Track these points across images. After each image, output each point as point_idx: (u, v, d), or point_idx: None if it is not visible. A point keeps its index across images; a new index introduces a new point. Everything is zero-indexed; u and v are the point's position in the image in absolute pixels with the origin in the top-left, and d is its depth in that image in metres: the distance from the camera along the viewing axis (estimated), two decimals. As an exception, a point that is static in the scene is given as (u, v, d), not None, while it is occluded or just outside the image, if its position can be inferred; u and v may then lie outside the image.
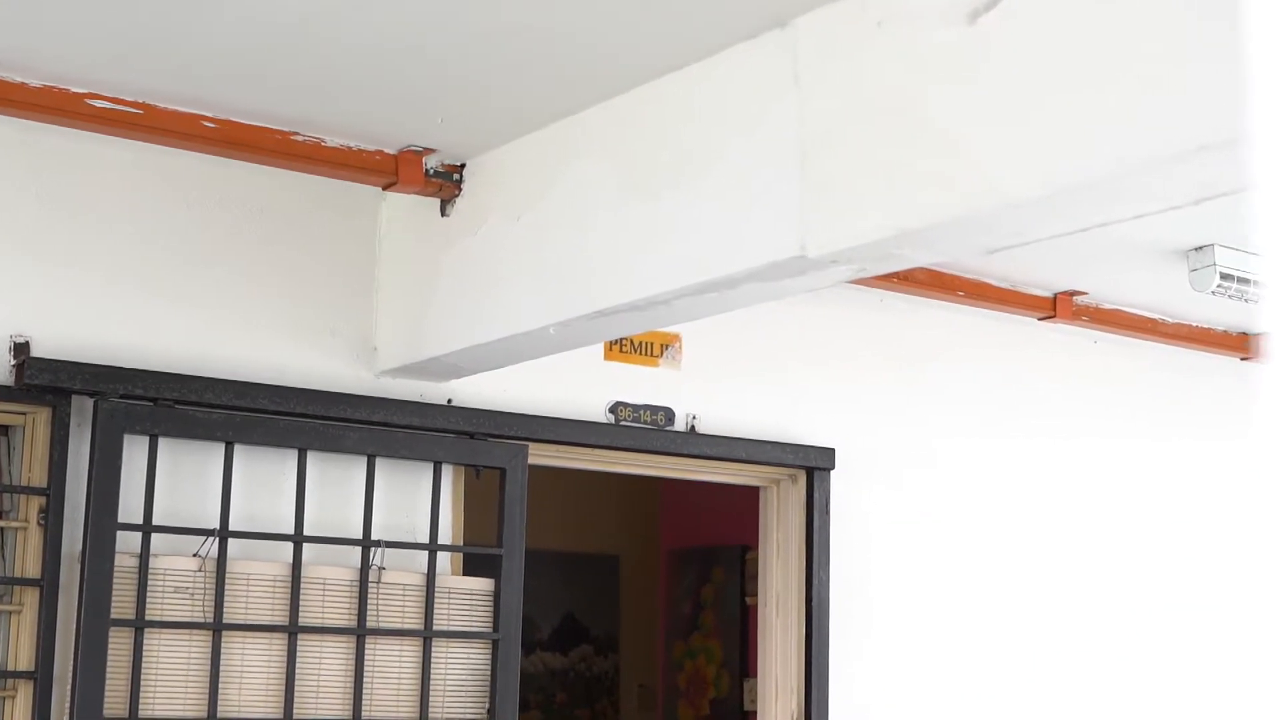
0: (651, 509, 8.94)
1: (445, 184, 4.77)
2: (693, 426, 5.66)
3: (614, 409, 5.50)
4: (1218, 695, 6.90)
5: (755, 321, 5.69)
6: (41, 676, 4.36)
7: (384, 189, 4.88)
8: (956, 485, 6.29)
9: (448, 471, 5.10)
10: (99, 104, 4.32)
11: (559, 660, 9.22)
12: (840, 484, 5.91)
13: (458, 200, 4.79)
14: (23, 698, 4.38)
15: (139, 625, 4.48)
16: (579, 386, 5.43)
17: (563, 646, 9.23)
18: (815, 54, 3.66)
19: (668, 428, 5.60)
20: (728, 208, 3.84)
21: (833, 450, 5.88)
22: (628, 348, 5.56)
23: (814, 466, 5.84)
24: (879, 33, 3.48)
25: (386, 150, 4.73)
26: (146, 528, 4.51)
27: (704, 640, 8.13)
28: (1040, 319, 6.44)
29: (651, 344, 5.62)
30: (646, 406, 5.57)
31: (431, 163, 4.76)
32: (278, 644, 4.71)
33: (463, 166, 4.78)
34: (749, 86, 3.83)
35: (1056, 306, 6.38)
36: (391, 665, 4.89)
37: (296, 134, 4.60)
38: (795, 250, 3.64)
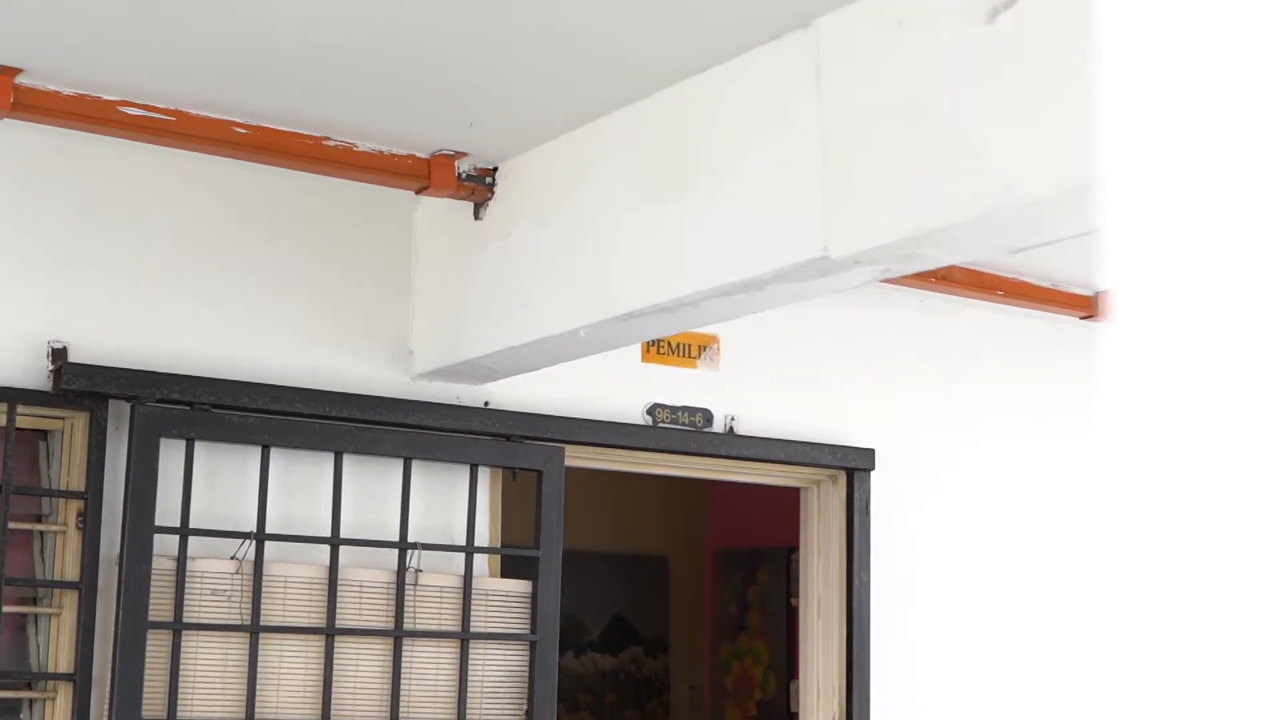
0: (699, 509, 8.94)
1: (478, 187, 4.80)
2: (731, 428, 5.66)
3: (652, 411, 5.51)
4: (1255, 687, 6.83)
5: (794, 322, 5.68)
6: (80, 678, 4.41)
7: (417, 193, 4.91)
8: (997, 485, 6.27)
9: (484, 474, 5.12)
10: (132, 112, 4.37)
11: (609, 661, 9.24)
12: (880, 484, 5.90)
13: (490, 203, 4.81)
14: (62, 699, 4.43)
15: (177, 627, 4.53)
16: (617, 388, 5.44)
17: (612, 647, 9.25)
18: (836, 55, 3.66)
19: (706, 429, 5.60)
20: (752, 209, 3.84)
21: (872, 451, 5.87)
22: (665, 349, 5.56)
23: (853, 467, 5.83)
24: (899, 33, 3.48)
25: (418, 154, 4.76)
26: (184, 531, 4.55)
27: (750, 641, 8.14)
28: (1082, 318, 6.41)
29: (689, 345, 5.63)
30: (684, 408, 5.58)
31: (464, 166, 4.79)
32: (315, 646, 4.74)
33: (495, 170, 4.81)
34: (771, 88, 3.83)
35: (1097, 305, 6.35)
36: (429, 667, 4.92)
37: (328, 139, 4.63)
38: (818, 251, 3.64)
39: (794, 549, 7.34)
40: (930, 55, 3.41)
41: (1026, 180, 3.24)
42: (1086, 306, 6.35)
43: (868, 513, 5.85)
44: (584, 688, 9.07)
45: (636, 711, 9.28)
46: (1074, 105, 3.13)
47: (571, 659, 8.96)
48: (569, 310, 4.41)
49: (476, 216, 4.85)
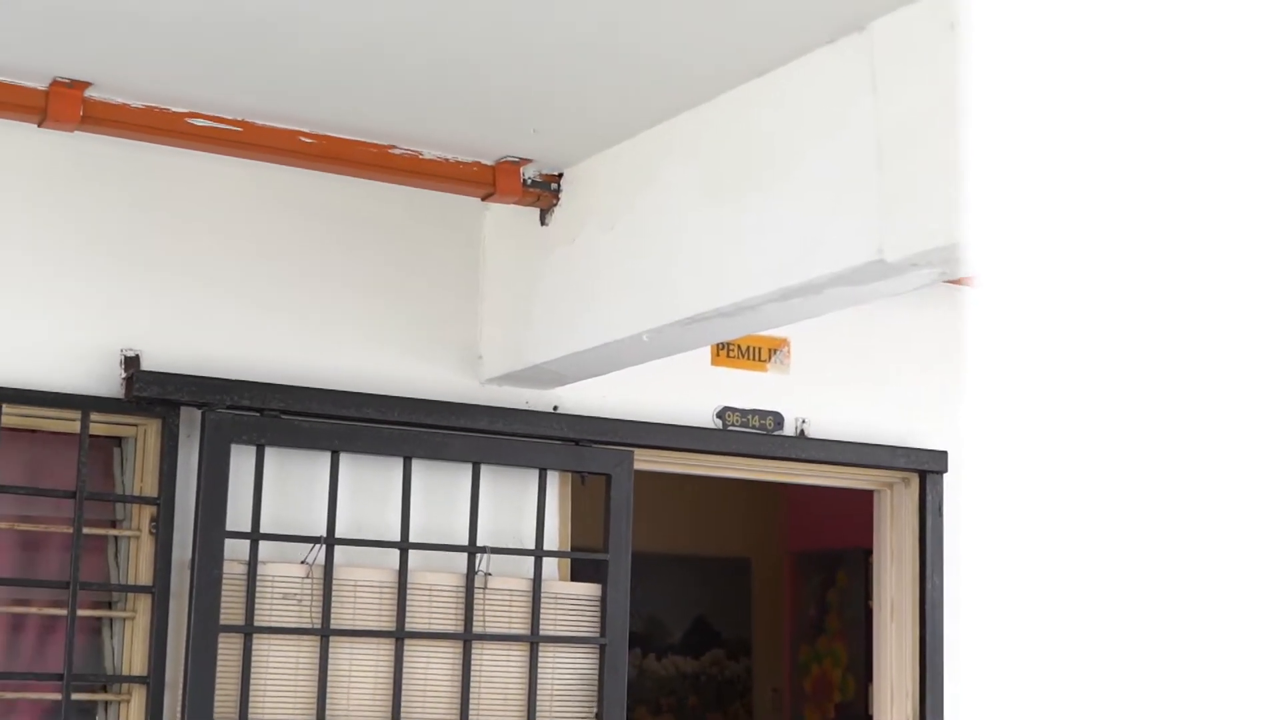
0: (778, 511, 8.94)
1: (543, 193, 4.83)
2: (802, 431, 5.66)
3: (721, 414, 5.52)
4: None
5: (864, 324, 5.67)
6: (154, 681, 4.47)
7: (483, 199, 4.94)
8: (1072, 487, 6.22)
9: (553, 478, 5.15)
10: (200, 123, 4.43)
11: (690, 664, 9.24)
12: (953, 487, 5.87)
13: (556, 209, 4.84)
14: (136, 702, 4.50)
15: (248, 631, 4.58)
16: (686, 392, 5.45)
17: (694, 650, 9.26)
18: (891, 57, 3.66)
19: (776, 432, 5.60)
20: (809, 212, 3.85)
21: (945, 453, 5.84)
22: (735, 352, 5.57)
23: (926, 470, 5.81)
24: (952, 35, 3.47)
25: (484, 161, 4.79)
26: (254, 535, 4.61)
27: (829, 644, 8.13)
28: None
29: (759, 348, 5.63)
30: (755, 411, 5.58)
31: (529, 173, 4.82)
32: (385, 649, 4.78)
33: (560, 176, 4.83)
34: (828, 90, 3.84)
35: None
36: (498, 671, 4.95)
37: (394, 147, 4.67)
38: (873, 254, 3.64)
39: (872, 551, 7.33)
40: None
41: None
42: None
43: (940, 515, 5.83)
44: (666, 690, 9.08)
45: (719, 714, 9.28)
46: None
47: (653, 661, 8.98)
48: (632, 314, 4.43)
49: (542, 222, 4.88)
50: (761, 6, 3.75)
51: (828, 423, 5.71)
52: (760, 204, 4.00)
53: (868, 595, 7.80)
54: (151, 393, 4.51)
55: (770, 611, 9.28)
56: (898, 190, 3.60)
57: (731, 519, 9.19)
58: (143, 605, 4.53)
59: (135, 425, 4.57)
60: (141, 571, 4.54)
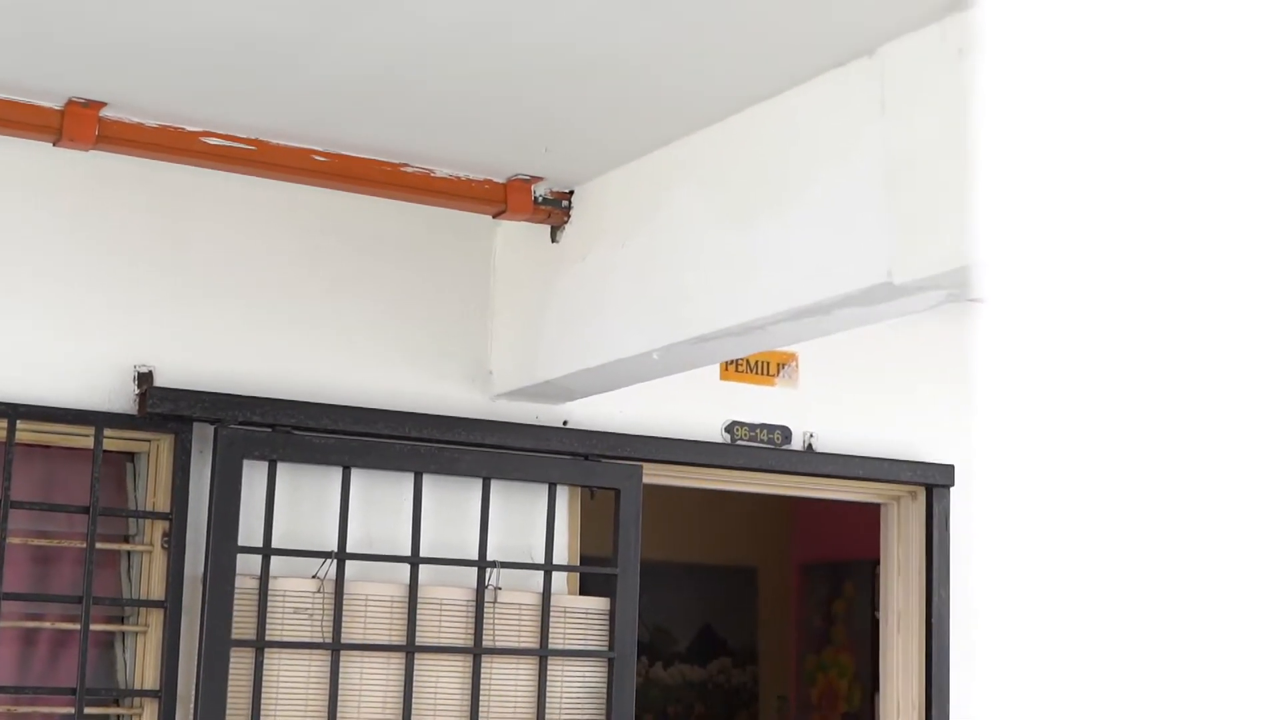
0: (785, 522, 8.96)
1: (554, 211, 4.86)
2: (810, 445, 5.69)
3: (730, 428, 5.55)
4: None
5: (871, 339, 5.69)
6: (165, 695, 4.50)
7: (494, 217, 4.97)
8: (1078, 501, 6.24)
9: (563, 492, 5.18)
10: (213, 141, 4.46)
11: (697, 672, 9.27)
12: (960, 501, 5.90)
13: (567, 227, 4.87)
14: (148, 716, 4.53)
15: (259, 645, 4.61)
16: (695, 406, 5.47)
17: (701, 658, 9.28)
18: (900, 82, 3.69)
19: (784, 447, 5.63)
20: (819, 234, 3.88)
21: (951, 467, 5.87)
22: (743, 367, 5.60)
23: (933, 483, 5.84)
24: (960, 61, 3.50)
25: (495, 179, 4.82)
26: (266, 550, 4.64)
27: (836, 654, 8.15)
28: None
29: (768, 363, 5.66)
30: (763, 425, 5.61)
31: (540, 190, 4.85)
32: (395, 663, 4.82)
33: (571, 194, 4.86)
34: (838, 114, 3.87)
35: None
36: (508, 684, 4.98)
37: (406, 165, 4.70)
38: (882, 277, 3.67)
39: (879, 562, 7.36)
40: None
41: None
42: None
43: (947, 529, 5.85)
44: (673, 698, 9.11)
45: (725, 722, 9.31)
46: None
47: (660, 670, 9.01)
48: (642, 332, 4.46)
49: (553, 239, 4.91)
50: (772, 30, 3.78)
51: (835, 437, 5.74)
52: (771, 225, 4.03)
53: (874, 607, 7.83)
54: (165, 409, 4.54)
55: (776, 621, 9.31)
56: (907, 213, 3.63)
57: (738, 529, 9.22)
58: (155, 620, 4.56)
59: (148, 441, 4.61)
60: (154, 586, 4.57)
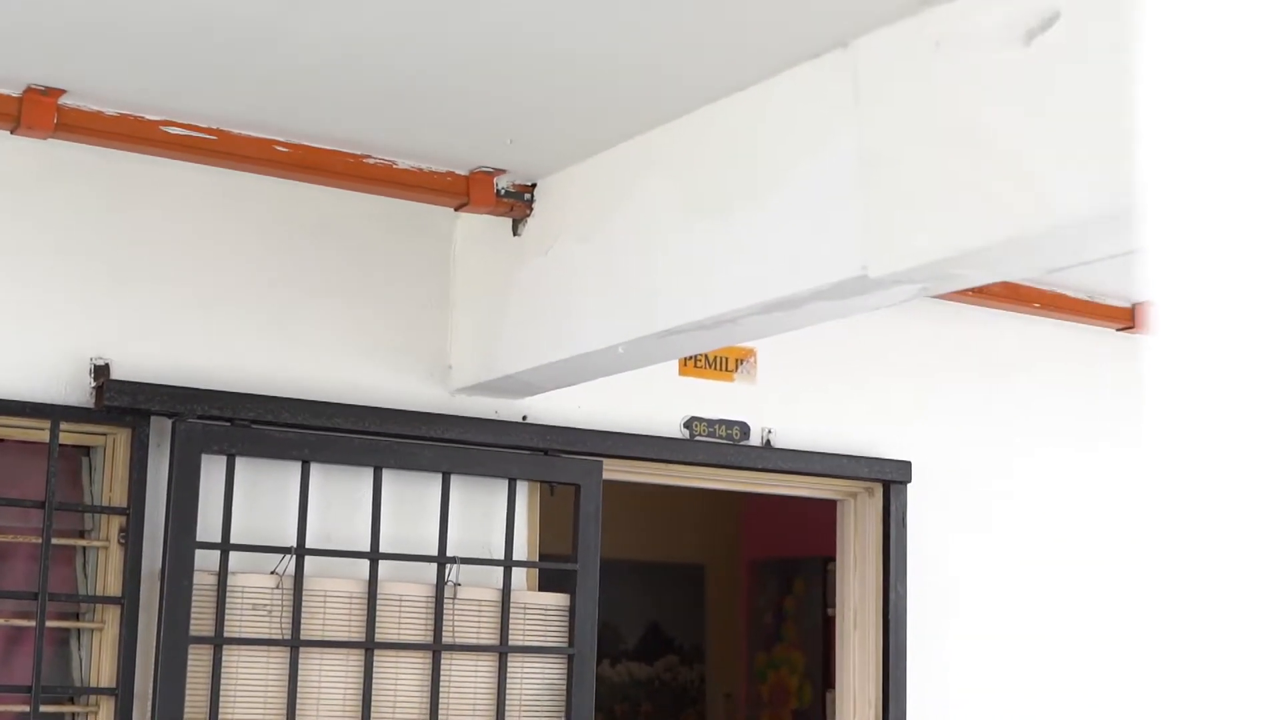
0: (734, 519, 8.95)
1: (516, 204, 4.82)
2: (768, 441, 5.67)
3: (689, 424, 5.53)
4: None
5: (830, 335, 5.68)
6: (122, 693, 4.44)
7: (456, 209, 4.93)
8: (1033, 498, 6.27)
9: (523, 488, 5.14)
10: (174, 131, 4.40)
11: (644, 670, 9.26)
12: (917, 497, 5.90)
13: (529, 220, 4.84)
14: (104, 714, 4.46)
15: (218, 642, 4.56)
16: (654, 402, 5.45)
17: (648, 656, 9.27)
18: (875, 75, 3.67)
19: (743, 442, 5.62)
20: (791, 228, 3.86)
21: (909, 463, 5.88)
22: (702, 363, 5.58)
23: (890, 480, 5.84)
24: (937, 53, 3.49)
25: (457, 171, 4.78)
26: (225, 546, 4.59)
27: (786, 651, 8.15)
28: (1118, 329, 6.40)
29: (726, 359, 5.64)
30: (721, 421, 5.59)
31: (503, 183, 4.81)
32: (354, 660, 4.77)
33: (533, 186, 4.83)
34: (811, 107, 3.85)
35: (1135, 317, 6.34)
36: (467, 681, 4.94)
37: (368, 157, 4.66)
38: (857, 270, 3.65)
39: (830, 559, 7.35)
40: (967, 76, 3.42)
41: (1064, 201, 3.24)
42: (1124, 318, 6.35)
43: (904, 525, 5.85)
44: (620, 696, 9.09)
45: (672, 720, 9.30)
46: (1111, 126, 3.14)
47: (607, 667, 8.98)
48: (608, 326, 4.43)
49: (515, 233, 4.87)
50: (743, 21, 3.75)
51: (793, 433, 5.73)
52: (742, 218, 4.00)
53: (825, 603, 7.83)
54: (122, 402, 4.47)
55: (724, 618, 9.30)
56: (882, 206, 3.62)
57: (686, 526, 9.21)
58: (111, 616, 4.49)
59: (105, 434, 4.54)
60: (110, 582, 4.50)
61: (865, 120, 3.68)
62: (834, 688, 6.98)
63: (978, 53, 3.39)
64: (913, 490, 5.88)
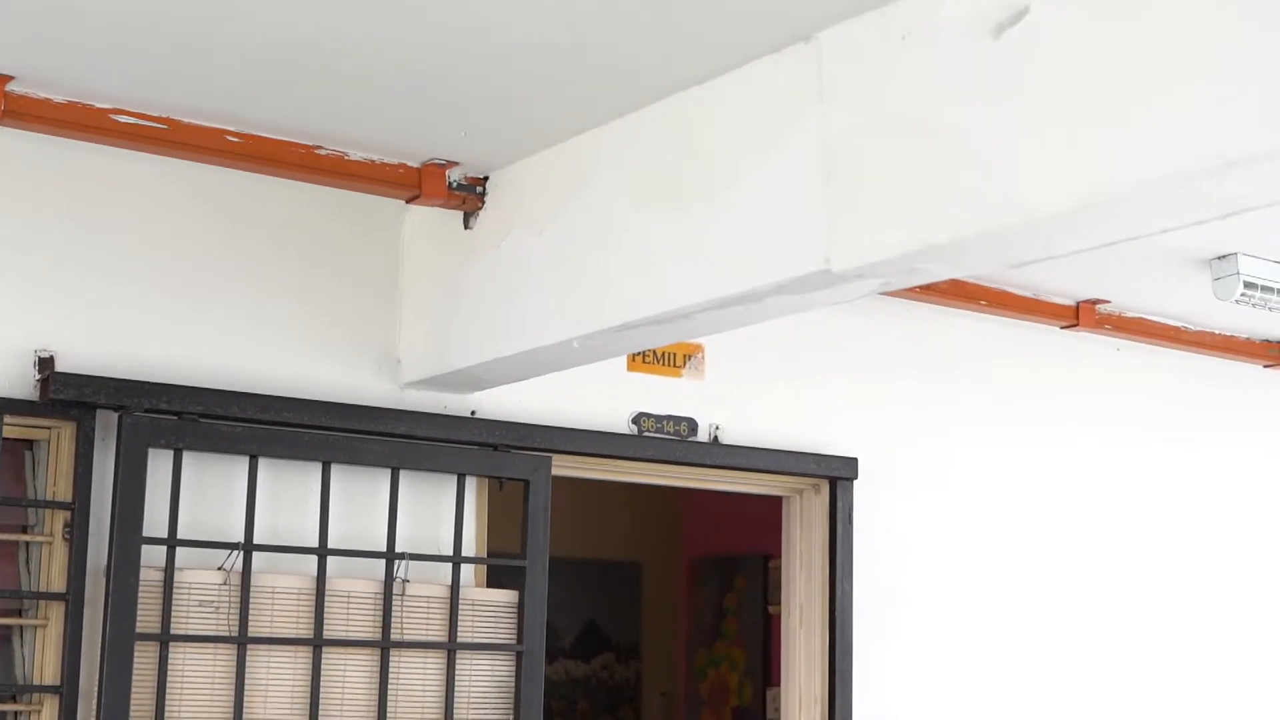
0: (674, 516, 8.93)
1: (468, 197, 4.78)
2: (715, 437, 5.66)
3: (637, 420, 5.50)
4: (1241, 700, 6.88)
5: (778, 331, 5.66)
6: (67, 691, 4.36)
7: (407, 202, 4.88)
8: (980, 494, 6.28)
9: (471, 483, 5.10)
10: (124, 119, 4.34)
11: (581, 668, 9.22)
12: (864, 494, 5.91)
13: (481, 213, 4.80)
14: (48, 712, 4.38)
15: (164, 639, 4.49)
16: (602, 398, 5.42)
17: (585, 654, 9.24)
18: (839, 68, 3.65)
19: (690, 438, 5.60)
20: (752, 221, 3.83)
21: (855, 460, 5.88)
22: (650, 359, 5.56)
23: (837, 476, 5.84)
24: (903, 47, 3.48)
25: (409, 164, 4.74)
26: (171, 541, 4.52)
27: (727, 648, 8.14)
28: (1063, 327, 6.43)
29: (674, 355, 5.62)
30: (669, 417, 5.57)
31: (455, 176, 4.77)
32: (302, 657, 4.71)
33: (486, 179, 4.79)
34: (773, 100, 3.83)
35: (1079, 315, 6.37)
36: (416, 677, 4.90)
37: (320, 148, 4.60)
38: (820, 264, 3.64)
39: (771, 557, 7.35)
40: (934, 70, 3.41)
41: (1030, 195, 3.24)
42: (1068, 316, 6.38)
43: (850, 522, 5.85)
44: (557, 694, 9.04)
45: (609, 718, 9.27)
46: (1077, 121, 3.14)
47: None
48: (562, 321, 4.40)
49: (466, 226, 4.83)
50: (702, 14, 3.72)
51: (741, 429, 5.72)
52: (701, 211, 3.98)
53: (766, 601, 7.82)
54: (67, 395, 4.40)
55: (662, 616, 9.28)
56: (846, 200, 3.60)
57: (624, 523, 9.18)
58: (55, 613, 4.42)
59: (49, 428, 4.46)
60: (54, 578, 4.42)
61: (829, 114, 3.66)
62: (775, 685, 6.98)
63: (945, 46, 3.38)
64: (859, 487, 5.89)
